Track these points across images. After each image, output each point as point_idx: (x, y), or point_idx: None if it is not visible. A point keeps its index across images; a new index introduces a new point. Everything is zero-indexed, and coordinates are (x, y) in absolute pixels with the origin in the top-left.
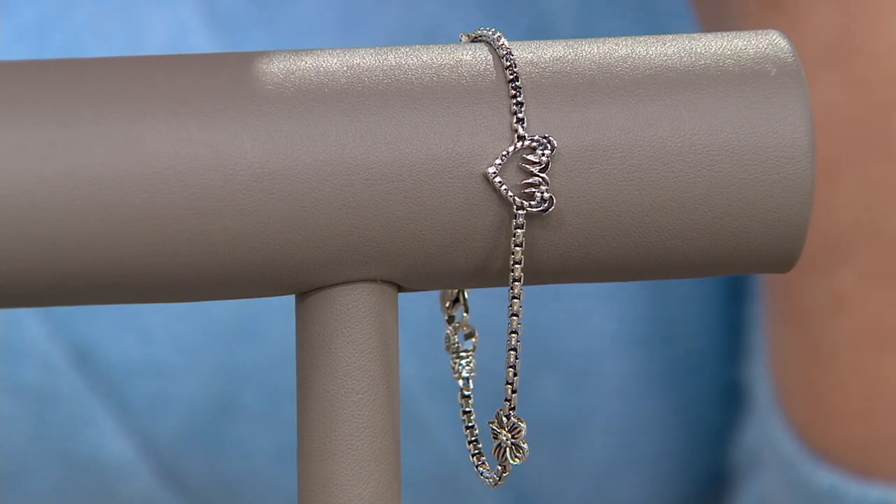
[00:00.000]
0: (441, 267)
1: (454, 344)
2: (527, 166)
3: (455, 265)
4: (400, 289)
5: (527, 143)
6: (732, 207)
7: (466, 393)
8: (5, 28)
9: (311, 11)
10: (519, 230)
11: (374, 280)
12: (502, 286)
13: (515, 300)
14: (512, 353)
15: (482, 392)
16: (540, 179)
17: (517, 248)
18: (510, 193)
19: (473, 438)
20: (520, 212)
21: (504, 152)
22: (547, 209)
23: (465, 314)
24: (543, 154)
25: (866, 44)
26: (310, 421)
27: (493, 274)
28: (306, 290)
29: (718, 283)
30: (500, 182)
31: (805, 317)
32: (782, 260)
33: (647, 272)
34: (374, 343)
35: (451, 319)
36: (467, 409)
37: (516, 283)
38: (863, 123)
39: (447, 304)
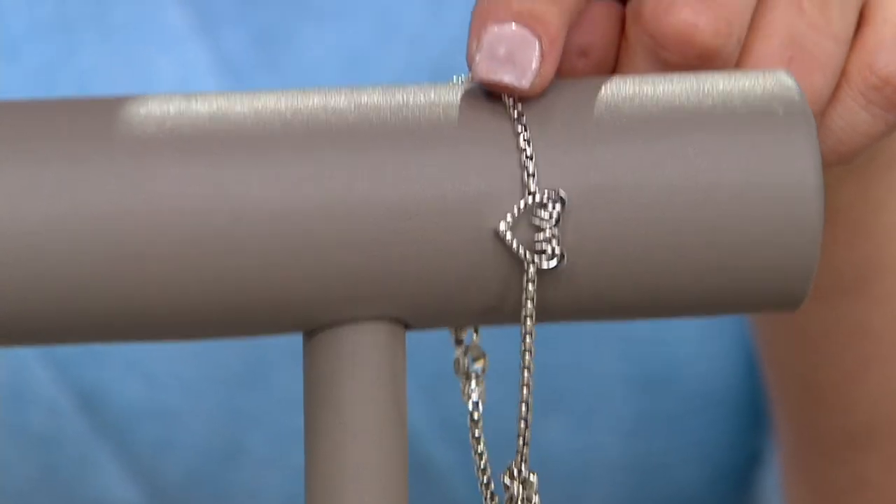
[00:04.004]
0: (450, 307)
1: (463, 367)
2: (537, 222)
3: (464, 305)
4: (408, 327)
5: (537, 199)
6: (740, 247)
7: (476, 417)
8: (13, 73)
9: (316, 54)
10: (531, 284)
11: (381, 318)
12: (513, 324)
13: (528, 336)
14: (524, 389)
15: (491, 430)
16: (551, 235)
17: (528, 302)
18: (521, 249)
19: (483, 466)
20: (531, 267)
21: (515, 207)
22: (558, 265)
23: (474, 336)
24: (554, 209)
25: (892, 264)
26: (317, 460)
27: (503, 314)
28: (314, 328)
29: (729, 322)
30: (510, 239)
31: (825, 496)
32: (790, 299)
33: (657, 311)
34: (382, 381)
35: (459, 342)
36: (476, 435)
37: (528, 320)
38: (887, 331)
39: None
